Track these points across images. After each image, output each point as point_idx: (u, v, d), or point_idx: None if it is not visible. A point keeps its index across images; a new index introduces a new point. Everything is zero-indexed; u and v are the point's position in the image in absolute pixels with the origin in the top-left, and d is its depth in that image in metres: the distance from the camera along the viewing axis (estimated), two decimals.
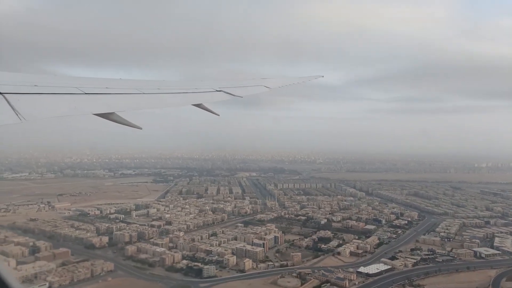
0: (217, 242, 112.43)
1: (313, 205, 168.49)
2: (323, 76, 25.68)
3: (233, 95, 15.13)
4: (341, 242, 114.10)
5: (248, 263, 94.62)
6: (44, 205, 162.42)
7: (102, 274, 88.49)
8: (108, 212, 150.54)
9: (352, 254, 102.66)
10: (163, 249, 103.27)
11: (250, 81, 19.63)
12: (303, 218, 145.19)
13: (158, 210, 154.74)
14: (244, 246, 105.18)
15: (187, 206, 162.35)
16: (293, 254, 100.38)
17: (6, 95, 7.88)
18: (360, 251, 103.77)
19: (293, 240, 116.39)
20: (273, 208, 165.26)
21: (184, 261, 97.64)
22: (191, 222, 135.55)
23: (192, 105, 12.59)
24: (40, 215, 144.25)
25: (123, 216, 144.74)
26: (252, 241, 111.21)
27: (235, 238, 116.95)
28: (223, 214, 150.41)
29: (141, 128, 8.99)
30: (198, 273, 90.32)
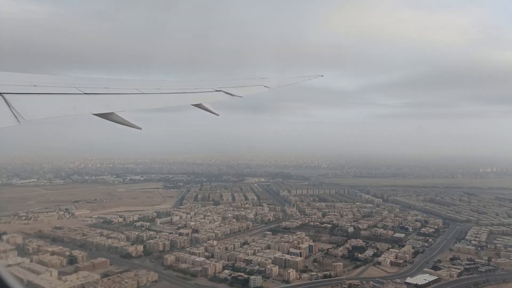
0: (252, 251, 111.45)
1: (335, 212, 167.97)
2: (322, 76, 25.87)
3: (233, 95, 15.15)
4: (375, 251, 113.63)
5: (292, 273, 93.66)
6: (63, 212, 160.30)
7: (148, 285, 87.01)
8: (131, 219, 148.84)
9: (392, 263, 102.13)
10: (201, 258, 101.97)
11: (250, 81, 19.58)
12: (328, 226, 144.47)
13: (180, 217, 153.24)
14: (282, 256, 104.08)
15: (208, 214, 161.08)
16: (335, 264, 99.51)
17: (5, 95, 7.84)
18: (400, 261, 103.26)
19: (327, 249, 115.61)
20: (294, 215, 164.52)
21: (226, 271, 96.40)
22: (218, 230, 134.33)
23: (192, 105, 12.58)
24: (63, 223, 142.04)
25: (148, 223, 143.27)
26: (288, 250, 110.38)
27: (269, 247, 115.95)
28: (248, 222, 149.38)
29: (140, 128, 8.98)
30: (244, 283, 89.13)
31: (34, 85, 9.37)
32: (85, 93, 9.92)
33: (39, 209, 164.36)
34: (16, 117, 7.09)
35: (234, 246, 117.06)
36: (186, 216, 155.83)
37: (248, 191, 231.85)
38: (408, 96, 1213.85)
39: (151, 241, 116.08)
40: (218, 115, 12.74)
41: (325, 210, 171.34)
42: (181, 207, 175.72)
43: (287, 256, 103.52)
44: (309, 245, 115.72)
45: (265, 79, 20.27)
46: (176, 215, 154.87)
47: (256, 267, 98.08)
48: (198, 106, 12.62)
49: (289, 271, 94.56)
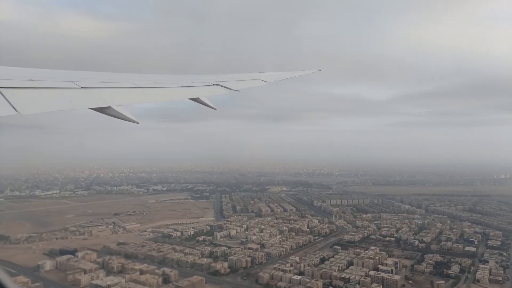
0: (337, 268, 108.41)
1: (388, 224, 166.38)
2: (320, 70, 26.00)
3: (230, 89, 15.25)
4: (460, 266, 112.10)
5: None
6: (111, 226, 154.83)
7: None
8: (189, 233, 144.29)
9: (491, 281, 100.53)
10: (298, 276, 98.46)
11: (247, 75, 19.80)
12: (392, 239, 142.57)
13: (237, 231, 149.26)
14: (378, 274, 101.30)
15: (262, 227, 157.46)
16: (438, 282, 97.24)
17: (1, 90, 7.84)
18: (499, 278, 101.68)
19: (412, 265, 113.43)
20: (346, 227, 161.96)
21: None
22: (286, 245, 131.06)
23: (189, 99, 12.62)
24: (122, 237, 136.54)
25: (209, 238, 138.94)
26: (377, 267, 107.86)
27: (351, 263, 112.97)
28: (307, 235, 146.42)
29: (137, 122, 8.93)
30: None
31: (30, 79, 9.31)
32: (82, 87, 9.84)
33: (85, 222, 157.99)
34: (14, 109, 7.01)
35: (314, 262, 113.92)
36: (241, 230, 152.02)
37: (280, 201, 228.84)
38: (434, 105, 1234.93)
39: (232, 257, 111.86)
40: (215, 109, 12.72)
41: (376, 222, 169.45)
42: (229, 219, 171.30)
43: (383, 274, 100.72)
44: (394, 261, 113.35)
45: (262, 73, 20.34)
46: (232, 229, 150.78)
47: (358, 286, 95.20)
48: (195, 100, 12.58)
49: None
